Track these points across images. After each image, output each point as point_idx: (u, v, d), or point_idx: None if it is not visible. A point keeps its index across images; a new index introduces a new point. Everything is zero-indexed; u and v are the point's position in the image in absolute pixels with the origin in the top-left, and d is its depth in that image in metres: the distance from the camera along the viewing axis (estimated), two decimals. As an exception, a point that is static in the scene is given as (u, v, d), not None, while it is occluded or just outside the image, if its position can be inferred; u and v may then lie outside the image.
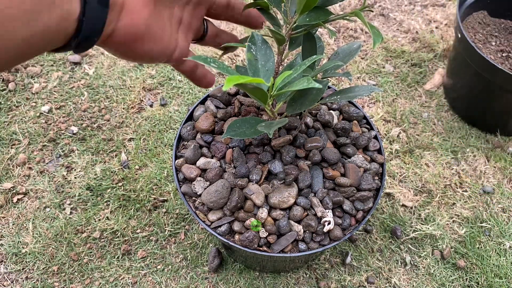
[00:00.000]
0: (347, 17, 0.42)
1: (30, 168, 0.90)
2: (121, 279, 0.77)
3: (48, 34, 0.26)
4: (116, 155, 0.92)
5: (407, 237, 0.83)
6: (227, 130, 0.44)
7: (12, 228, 0.82)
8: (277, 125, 0.43)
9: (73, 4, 0.27)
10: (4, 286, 0.76)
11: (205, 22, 0.43)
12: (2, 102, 1.00)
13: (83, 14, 0.28)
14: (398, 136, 0.98)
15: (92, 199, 0.86)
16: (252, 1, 0.42)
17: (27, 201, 0.86)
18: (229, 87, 0.30)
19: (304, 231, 0.53)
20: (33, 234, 0.82)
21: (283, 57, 0.48)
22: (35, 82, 1.04)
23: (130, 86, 1.04)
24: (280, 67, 0.50)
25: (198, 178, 0.56)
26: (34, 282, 0.76)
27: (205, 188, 0.54)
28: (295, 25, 0.43)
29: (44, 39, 0.26)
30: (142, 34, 0.34)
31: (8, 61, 0.25)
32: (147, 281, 0.77)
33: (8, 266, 0.78)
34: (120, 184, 0.88)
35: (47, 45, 0.27)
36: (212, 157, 0.57)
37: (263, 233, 0.53)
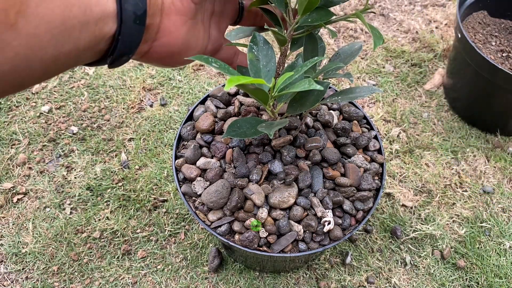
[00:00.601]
0: (349, 19, 0.42)
1: (30, 168, 0.90)
2: (121, 279, 0.77)
3: (78, 52, 0.26)
4: (116, 155, 0.92)
5: (407, 237, 0.83)
6: (227, 130, 0.44)
7: (12, 228, 0.82)
8: (278, 126, 0.43)
9: (108, 23, 0.26)
10: (4, 286, 0.76)
11: (240, 2, 0.41)
12: (2, 102, 1.00)
13: (118, 33, 0.27)
14: (398, 136, 0.98)
15: (92, 199, 0.86)
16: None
17: (27, 201, 0.86)
18: (230, 88, 0.30)
19: (304, 231, 0.53)
20: (33, 234, 0.81)
21: (284, 58, 0.48)
22: (35, 82, 1.04)
23: (130, 86, 1.04)
24: (282, 68, 0.50)
25: (198, 178, 0.56)
26: (34, 282, 0.76)
27: (205, 188, 0.54)
28: (296, 25, 0.43)
29: (73, 57, 0.26)
30: (178, 50, 0.33)
31: (34, 78, 0.25)
32: (147, 281, 0.77)
33: (8, 266, 0.78)
34: (120, 184, 0.88)
35: (77, 62, 0.27)
36: (212, 157, 0.57)
37: (263, 233, 0.53)
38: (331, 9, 0.43)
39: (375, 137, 0.62)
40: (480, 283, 0.78)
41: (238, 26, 0.46)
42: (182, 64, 0.36)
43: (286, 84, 0.38)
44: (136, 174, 0.89)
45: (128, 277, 0.77)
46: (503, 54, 0.95)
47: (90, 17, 0.25)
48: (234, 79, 0.30)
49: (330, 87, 0.66)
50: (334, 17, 0.41)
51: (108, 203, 0.85)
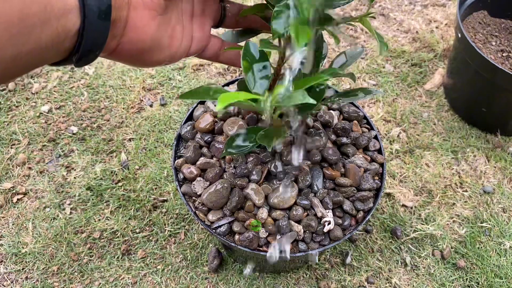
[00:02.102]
0: (352, 23, 0.42)
1: (30, 168, 0.90)
2: (121, 279, 0.77)
3: (41, 51, 0.25)
4: (116, 155, 0.92)
5: (407, 237, 0.83)
6: (226, 148, 0.44)
7: (12, 228, 0.82)
8: (277, 138, 0.43)
9: (72, 19, 0.25)
10: (4, 286, 0.76)
11: (222, 3, 0.40)
12: (2, 102, 1.00)
13: (82, 28, 0.26)
14: (398, 136, 0.97)
15: (92, 199, 0.86)
16: (251, 6, 0.42)
17: (27, 201, 0.86)
18: (222, 108, 0.28)
19: (304, 231, 0.53)
20: (33, 234, 0.81)
21: (284, 61, 0.48)
22: (34, 82, 1.03)
23: (130, 86, 1.04)
24: (279, 71, 0.50)
25: (198, 178, 0.56)
26: (34, 282, 0.76)
27: (205, 188, 0.54)
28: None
29: (36, 56, 0.25)
30: (149, 47, 0.32)
31: None
32: (147, 281, 0.77)
33: (8, 266, 0.78)
34: (120, 184, 0.88)
35: (41, 61, 0.26)
36: (212, 157, 0.57)
37: (263, 233, 0.53)
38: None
39: (375, 137, 0.62)
40: (480, 283, 0.78)
41: (224, 32, 0.45)
42: (154, 64, 0.35)
43: (282, 95, 0.37)
44: (136, 174, 0.89)
45: (128, 277, 0.77)
46: (503, 54, 0.95)
47: (51, 13, 0.24)
48: (225, 97, 0.28)
49: (329, 87, 0.66)
50: (335, 20, 0.41)
51: (108, 203, 0.85)
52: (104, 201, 0.86)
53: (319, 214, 0.53)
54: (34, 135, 0.95)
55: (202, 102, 0.65)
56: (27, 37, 0.23)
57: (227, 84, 0.67)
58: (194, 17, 0.37)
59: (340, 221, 0.54)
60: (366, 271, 0.79)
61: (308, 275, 0.78)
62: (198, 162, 0.56)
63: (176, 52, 0.36)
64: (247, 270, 0.73)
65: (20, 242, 0.81)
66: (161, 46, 0.34)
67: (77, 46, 0.27)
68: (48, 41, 0.25)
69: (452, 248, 0.82)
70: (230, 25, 0.42)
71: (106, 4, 0.27)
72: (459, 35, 0.90)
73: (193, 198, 0.56)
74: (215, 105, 0.62)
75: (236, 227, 0.53)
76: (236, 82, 0.66)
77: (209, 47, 0.40)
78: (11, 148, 0.93)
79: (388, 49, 1.15)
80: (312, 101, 0.32)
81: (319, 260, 0.80)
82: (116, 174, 0.89)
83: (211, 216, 0.54)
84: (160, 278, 0.77)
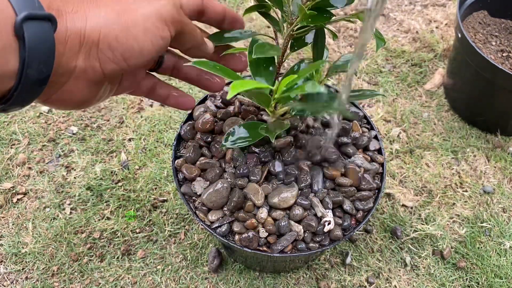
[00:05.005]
0: (349, 19, 0.42)
1: (30, 168, 0.90)
2: (121, 279, 0.77)
3: None
4: (116, 155, 0.92)
5: (407, 237, 0.83)
6: (228, 141, 0.45)
7: (12, 228, 0.82)
8: (279, 130, 0.43)
9: (7, 82, 0.26)
10: (4, 286, 0.76)
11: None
12: (2, 102, 1.00)
13: (15, 90, 0.26)
14: (398, 136, 0.97)
15: (92, 199, 0.86)
16: (252, 5, 0.42)
17: (27, 201, 0.86)
18: (233, 95, 0.29)
19: (304, 231, 0.53)
20: (33, 234, 0.81)
21: (283, 59, 0.48)
22: (35, 82, 1.03)
23: (130, 86, 1.04)
24: (280, 68, 0.50)
25: (198, 178, 0.56)
26: (34, 282, 0.76)
27: (205, 188, 0.54)
28: (296, 26, 0.42)
29: None
30: (76, 105, 0.34)
31: None
32: (147, 281, 0.77)
33: (8, 266, 0.78)
34: (120, 184, 0.88)
35: None
36: (212, 157, 0.57)
37: (263, 233, 0.53)
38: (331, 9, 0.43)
39: (375, 137, 0.62)
40: (480, 283, 0.78)
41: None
42: (77, 109, 0.37)
43: (289, 87, 0.38)
44: (136, 174, 0.89)
45: (128, 277, 0.77)
46: (503, 54, 0.95)
47: None
48: (238, 85, 0.30)
49: (329, 87, 0.66)
50: (334, 17, 0.41)
51: (108, 203, 0.85)
52: (104, 201, 0.86)
53: (319, 214, 0.53)
54: (34, 135, 0.95)
55: (202, 102, 0.65)
56: None
57: (227, 84, 0.67)
58: (125, 74, 0.38)
59: (340, 221, 0.54)
60: (366, 271, 0.79)
61: (308, 275, 0.78)
62: (198, 162, 0.56)
63: (101, 102, 0.37)
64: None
65: (20, 242, 0.80)
66: (87, 103, 0.35)
67: (5, 101, 0.27)
68: None
69: (452, 248, 0.82)
70: (165, 73, 0.44)
71: (45, 75, 0.27)
72: (459, 35, 0.90)
73: (193, 198, 0.56)
74: (215, 106, 0.62)
75: (236, 227, 0.53)
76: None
77: (142, 85, 0.41)
78: (11, 148, 0.93)
79: (388, 48, 1.15)
80: (322, 89, 0.32)
81: (319, 260, 0.80)
82: (116, 174, 0.89)
83: (211, 216, 0.54)
84: (160, 278, 0.77)
